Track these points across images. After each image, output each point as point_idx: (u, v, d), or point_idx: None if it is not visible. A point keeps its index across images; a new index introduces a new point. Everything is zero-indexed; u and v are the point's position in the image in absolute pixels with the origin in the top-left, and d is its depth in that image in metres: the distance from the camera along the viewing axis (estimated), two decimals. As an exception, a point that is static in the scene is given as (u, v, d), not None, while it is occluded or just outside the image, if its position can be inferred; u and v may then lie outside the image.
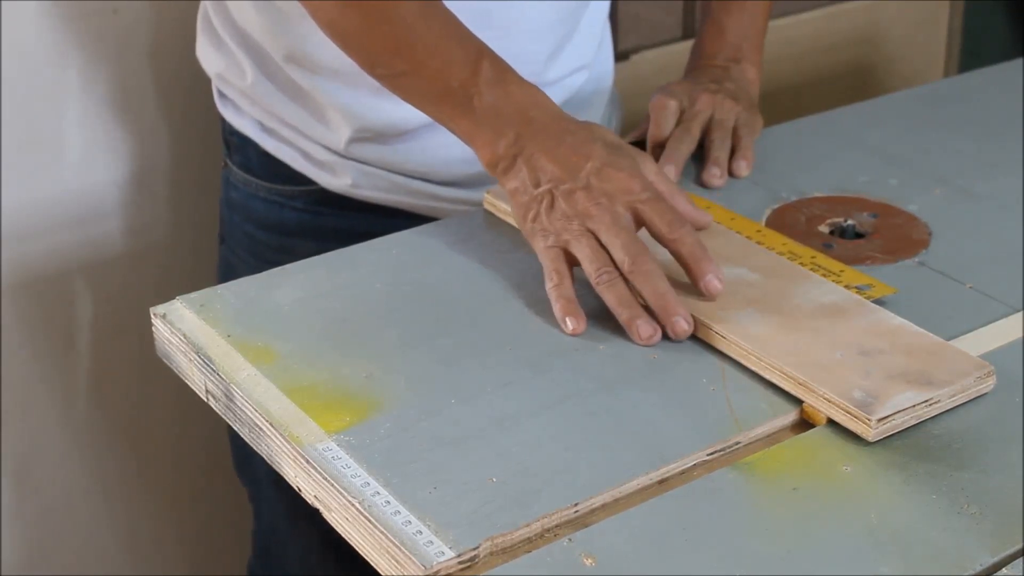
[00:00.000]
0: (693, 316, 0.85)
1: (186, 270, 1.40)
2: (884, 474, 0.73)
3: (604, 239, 0.87)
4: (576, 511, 0.71)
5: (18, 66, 1.25)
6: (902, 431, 0.76)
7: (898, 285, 0.90)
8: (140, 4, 1.30)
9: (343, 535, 0.72)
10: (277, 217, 1.16)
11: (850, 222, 1.00)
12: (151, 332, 0.89)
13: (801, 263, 0.92)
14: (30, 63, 1.25)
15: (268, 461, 0.79)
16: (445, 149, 1.07)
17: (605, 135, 0.92)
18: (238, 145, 1.17)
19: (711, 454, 0.75)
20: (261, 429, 0.78)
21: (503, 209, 0.98)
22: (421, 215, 1.12)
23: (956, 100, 1.23)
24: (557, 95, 1.08)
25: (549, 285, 0.87)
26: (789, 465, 0.74)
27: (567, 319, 0.86)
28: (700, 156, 1.08)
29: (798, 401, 0.79)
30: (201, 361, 0.84)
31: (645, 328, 0.84)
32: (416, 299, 0.89)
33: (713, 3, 1.18)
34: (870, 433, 0.75)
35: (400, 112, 1.03)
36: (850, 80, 1.86)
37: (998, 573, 0.67)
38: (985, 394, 0.80)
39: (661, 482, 0.74)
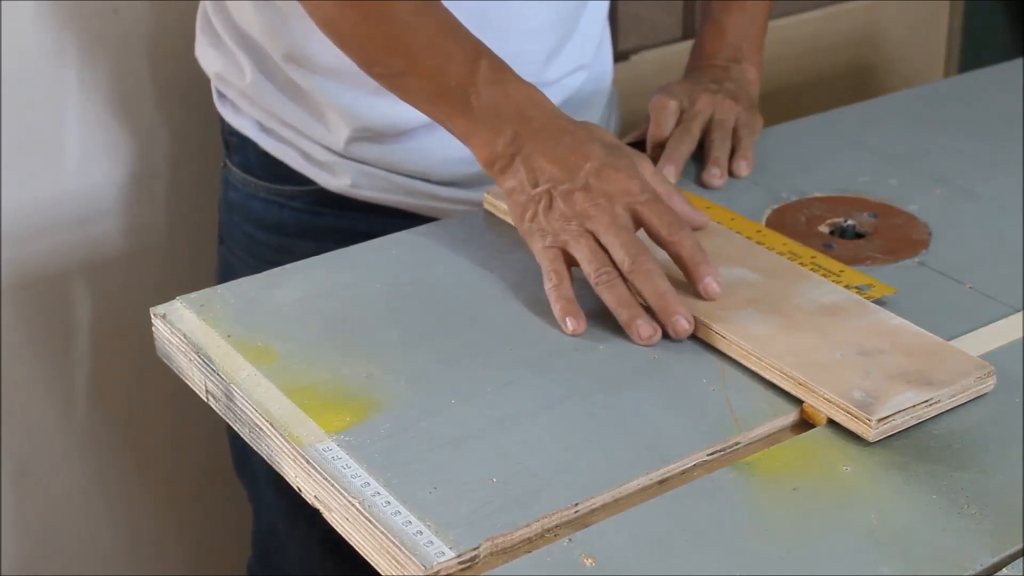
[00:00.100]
0: (693, 316, 0.85)
1: (186, 270, 1.40)
2: (884, 474, 0.73)
3: (604, 239, 0.87)
4: (576, 511, 0.71)
5: (18, 66, 1.25)
6: (902, 431, 0.76)
7: (898, 285, 0.90)
8: (140, 4, 1.30)
9: (343, 535, 0.72)
10: (276, 217, 1.15)
11: (850, 222, 1.00)
12: (151, 332, 0.89)
13: (801, 263, 0.92)
14: (30, 63, 1.25)
15: (268, 461, 0.79)
16: (444, 149, 1.07)
17: (603, 135, 0.92)
18: (237, 145, 1.17)
19: (711, 454, 0.75)
20: (261, 429, 0.78)
21: (503, 209, 0.98)
22: (420, 215, 1.12)
23: (956, 100, 1.23)
24: (556, 95, 1.08)
25: (548, 285, 0.87)
26: (789, 465, 0.74)
27: (567, 319, 0.86)
28: (700, 156, 1.08)
29: (798, 401, 0.79)
30: (201, 361, 0.83)
31: (645, 328, 0.84)
32: (416, 299, 0.89)
33: (713, 3, 1.18)
34: (870, 433, 0.75)
35: (399, 112, 1.03)
36: (850, 80, 1.86)
37: (998, 573, 0.67)
38: (985, 394, 0.80)
39: (661, 482, 0.73)
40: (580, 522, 0.70)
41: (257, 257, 1.16)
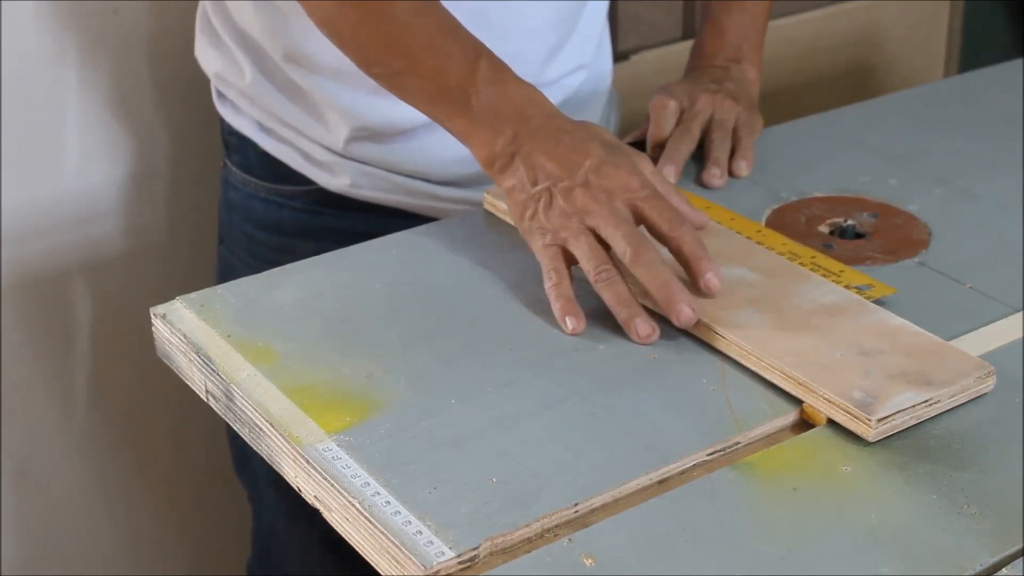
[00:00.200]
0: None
1: (186, 270, 1.40)
2: (884, 474, 0.73)
3: (604, 232, 0.87)
4: (576, 511, 0.71)
5: (18, 66, 1.25)
6: (902, 431, 0.76)
7: (898, 285, 0.90)
8: (140, 4, 1.30)
9: (343, 535, 0.72)
10: (276, 217, 1.15)
11: (850, 222, 1.00)
12: (151, 332, 0.89)
13: (801, 263, 0.92)
14: (30, 63, 1.25)
15: (268, 461, 0.79)
16: (444, 149, 1.07)
17: (602, 134, 0.92)
18: (237, 145, 1.17)
19: (711, 454, 0.75)
20: (261, 429, 0.78)
21: (503, 209, 0.98)
22: (420, 215, 1.12)
23: (956, 100, 1.23)
24: (555, 95, 1.08)
25: (548, 284, 0.87)
26: (789, 465, 0.74)
27: (567, 319, 0.86)
28: (700, 156, 1.08)
29: (798, 401, 0.79)
30: (201, 361, 0.83)
31: (643, 327, 0.84)
32: (416, 299, 0.89)
33: (713, 3, 1.18)
34: (870, 433, 0.75)
35: (399, 112, 1.03)
36: (850, 80, 1.86)
37: (998, 573, 0.67)
38: (985, 394, 0.80)
39: (661, 482, 0.73)
40: (580, 522, 0.70)
41: (257, 257, 1.16)
